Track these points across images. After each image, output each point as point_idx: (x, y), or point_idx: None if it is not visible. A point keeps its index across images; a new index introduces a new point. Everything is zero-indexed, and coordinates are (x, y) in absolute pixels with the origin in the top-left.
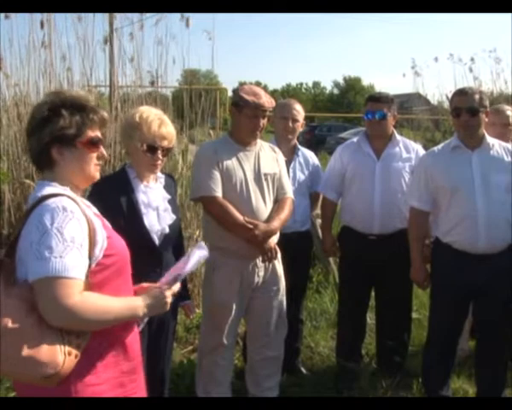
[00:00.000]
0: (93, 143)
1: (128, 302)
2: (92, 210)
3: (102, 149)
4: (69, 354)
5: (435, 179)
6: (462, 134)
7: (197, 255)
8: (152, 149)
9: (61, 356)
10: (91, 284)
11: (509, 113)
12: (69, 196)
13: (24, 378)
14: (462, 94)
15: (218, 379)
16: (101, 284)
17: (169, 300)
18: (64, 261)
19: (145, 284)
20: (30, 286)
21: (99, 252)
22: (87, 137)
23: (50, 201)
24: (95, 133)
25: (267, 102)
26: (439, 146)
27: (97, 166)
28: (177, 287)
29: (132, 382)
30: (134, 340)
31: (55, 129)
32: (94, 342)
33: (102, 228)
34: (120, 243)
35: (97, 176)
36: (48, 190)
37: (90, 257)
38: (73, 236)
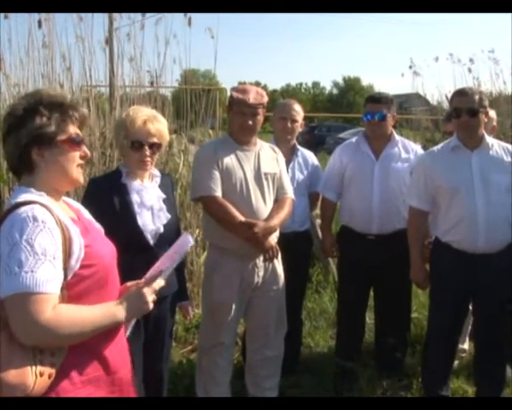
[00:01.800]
0: (75, 142)
1: (105, 309)
2: (77, 212)
3: (85, 149)
4: (41, 374)
5: (435, 179)
6: (462, 134)
7: (180, 248)
8: (137, 145)
9: (31, 378)
10: (69, 297)
11: None
12: (42, 204)
13: None
14: (461, 94)
15: (218, 379)
16: (79, 295)
17: (150, 298)
18: (35, 276)
19: (129, 283)
20: (1, 303)
21: (75, 263)
22: (68, 135)
23: (21, 210)
24: (75, 131)
25: (252, 98)
26: (439, 146)
27: (80, 168)
28: (159, 284)
29: (111, 394)
30: (115, 351)
31: (33, 128)
32: (71, 358)
33: (80, 236)
34: (105, 252)
35: (81, 179)
36: (21, 197)
37: (66, 268)
38: (45, 248)
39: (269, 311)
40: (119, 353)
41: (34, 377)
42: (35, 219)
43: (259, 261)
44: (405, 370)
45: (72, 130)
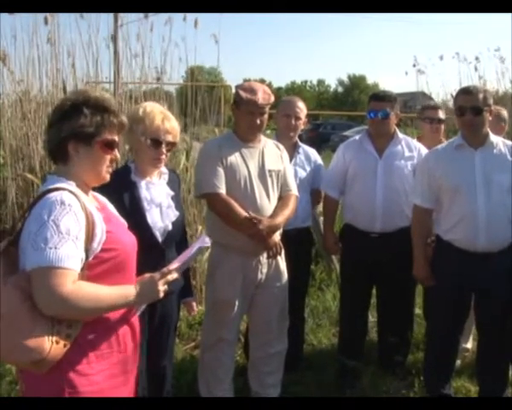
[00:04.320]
0: (109, 146)
1: (120, 291)
2: (102, 205)
3: (117, 153)
4: (57, 342)
5: (438, 177)
6: (466, 133)
7: (197, 246)
8: (156, 142)
9: (47, 343)
10: (89, 277)
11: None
12: (70, 191)
13: (14, 363)
14: (466, 93)
15: (220, 376)
16: (98, 277)
17: (161, 287)
18: (58, 252)
19: (147, 275)
20: (27, 275)
21: (97, 245)
22: (104, 139)
23: (51, 194)
24: (112, 136)
25: (261, 98)
26: (443, 144)
27: (109, 168)
28: (172, 277)
29: (124, 373)
30: (127, 331)
31: (74, 125)
32: (86, 332)
33: (103, 222)
34: (126, 239)
35: (107, 178)
36: (52, 185)
37: (88, 250)
38: (69, 228)
39: (272, 308)
40: (129, 334)
41: (50, 344)
42: (62, 202)
43: (263, 258)
44: (408, 368)
45: (109, 134)
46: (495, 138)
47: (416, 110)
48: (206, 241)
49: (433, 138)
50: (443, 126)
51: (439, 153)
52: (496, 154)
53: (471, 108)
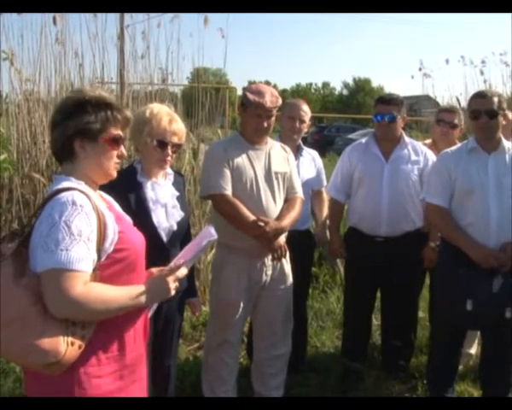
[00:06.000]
0: (115, 141)
1: (130, 291)
2: (108, 203)
3: (123, 149)
4: (72, 344)
5: (454, 178)
6: (480, 136)
7: (202, 240)
8: (162, 144)
9: (63, 346)
10: (101, 278)
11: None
12: (81, 191)
13: (27, 365)
14: (480, 96)
15: (224, 377)
16: (111, 277)
17: (172, 285)
18: (70, 254)
19: (154, 270)
20: (38, 277)
21: (109, 246)
22: (110, 134)
23: (62, 195)
24: (117, 132)
25: (269, 101)
26: (454, 147)
27: (116, 165)
28: (182, 273)
29: (132, 373)
30: (139, 330)
31: (80, 122)
32: (99, 333)
33: (115, 222)
34: (136, 239)
35: (115, 174)
36: (62, 185)
37: (100, 251)
38: (81, 229)
39: (276, 310)
40: (141, 334)
41: (66, 346)
42: (74, 203)
43: (268, 260)
44: (411, 372)
45: (115, 130)
46: (508, 143)
47: (422, 113)
48: (213, 233)
49: (444, 141)
50: (456, 132)
51: (453, 154)
52: (508, 159)
53: (486, 112)
